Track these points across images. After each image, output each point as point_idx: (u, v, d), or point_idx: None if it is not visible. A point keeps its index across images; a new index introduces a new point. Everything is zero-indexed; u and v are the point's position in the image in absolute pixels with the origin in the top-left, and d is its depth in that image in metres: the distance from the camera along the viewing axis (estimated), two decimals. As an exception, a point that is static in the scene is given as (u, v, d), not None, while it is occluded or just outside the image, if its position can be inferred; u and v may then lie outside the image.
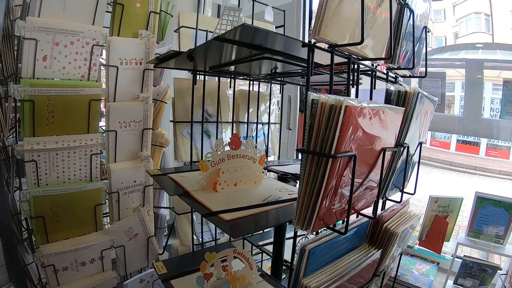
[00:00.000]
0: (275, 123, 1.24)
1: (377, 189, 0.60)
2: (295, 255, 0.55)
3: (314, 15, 0.47)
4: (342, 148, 0.43)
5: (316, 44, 0.50)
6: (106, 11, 1.00)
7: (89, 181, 1.00)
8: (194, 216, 1.04)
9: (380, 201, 0.72)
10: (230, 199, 0.67)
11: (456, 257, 1.47)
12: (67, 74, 0.94)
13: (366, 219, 0.64)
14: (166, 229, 1.38)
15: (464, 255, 1.55)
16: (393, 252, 0.69)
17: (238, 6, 0.89)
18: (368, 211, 0.63)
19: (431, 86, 1.95)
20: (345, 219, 0.53)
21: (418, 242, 1.78)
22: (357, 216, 0.66)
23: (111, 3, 1.01)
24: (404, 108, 0.61)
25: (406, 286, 1.60)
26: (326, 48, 0.52)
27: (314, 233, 0.62)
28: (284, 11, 1.13)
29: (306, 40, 0.51)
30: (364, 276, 0.65)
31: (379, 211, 0.69)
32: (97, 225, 1.06)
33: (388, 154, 0.57)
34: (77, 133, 0.96)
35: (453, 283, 1.49)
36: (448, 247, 1.72)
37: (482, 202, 1.48)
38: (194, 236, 1.06)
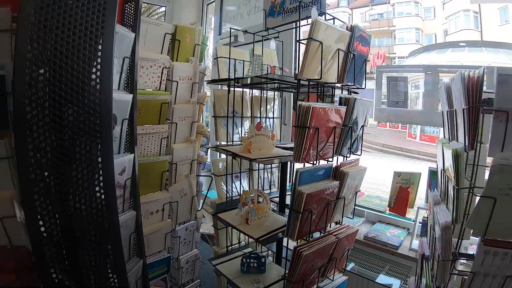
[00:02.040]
0: (278, 118, 1.95)
1: (334, 147, 1.29)
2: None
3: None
4: (312, 125, 1.13)
5: (301, 79, 1.20)
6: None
7: (159, 155, 1.68)
8: (228, 178, 1.73)
9: (340, 157, 1.42)
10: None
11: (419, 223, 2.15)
12: (147, 86, 1.61)
13: (331, 163, 1.34)
14: (203, 192, 2.07)
15: (422, 217, 2.25)
16: (347, 184, 1.37)
17: (262, 54, 1.57)
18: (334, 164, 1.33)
19: (397, 88, 2.66)
20: (317, 160, 1.23)
21: (388, 208, 2.49)
22: (327, 162, 1.36)
23: (171, 40, 1.69)
24: (346, 106, 1.31)
25: (381, 244, 2.27)
26: (305, 80, 1.21)
27: (303, 165, 1.30)
28: (282, 42, 1.82)
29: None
30: (331, 196, 1.34)
31: (339, 162, 1.39)
32: (162, 186, 1.74)
33: (337, 130, 1.26)
34: (152, 123, 1.64)
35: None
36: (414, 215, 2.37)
37: (433, 174, 2.16)
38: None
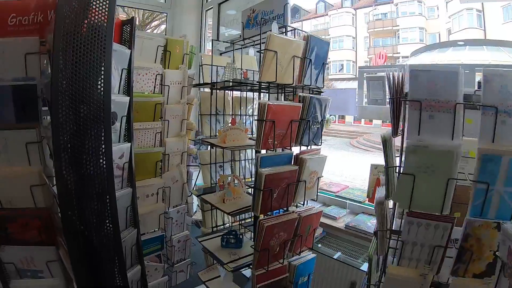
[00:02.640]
0: (255, 115, 2.30)
1: (292, 138, 1.64)
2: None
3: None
4: (269, 118, 1.47)
5: (261, 82, 1.54)
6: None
7: (154, 147, 2.04)
8: (212, 167, 2.08)
9: (299, 147, 1.76)
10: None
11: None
12: (144, 90, 1.97)
13: (291, 151, 1.68)
14: (193, 181, 2.43)
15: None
16: (306, 169, 1.71)
17: (234, 61, 1.92)
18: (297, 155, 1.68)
19: (375, 87, 2.97)
20: (275, 148, 1.57)
21: (367, 199, 2.81)
22: (282, 150, 1.69)
23: (163, 51, 2.05)
24: (303, 103, 1.65)
25: (361, 232, 2.58)
26: (266, 82, 1.56)
27: (265, 151, 1.64)
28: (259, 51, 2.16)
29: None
30: (292, 179, 1.67)
31: (298, 151, 1.73)
32: (156, 173, 2.09)
33: (293, 124, 1.60)
34: (148, 121, 1.99)
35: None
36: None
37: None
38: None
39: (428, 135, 1.16)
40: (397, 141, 1.41)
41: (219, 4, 4.49)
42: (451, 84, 1.15)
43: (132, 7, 4.96)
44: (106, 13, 1.08)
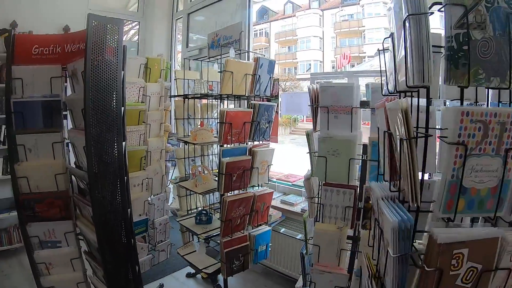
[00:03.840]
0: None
1: (246, 135, 2.31)
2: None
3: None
4: (226, 121, 2.14)
5: (221, 94, 2.21)
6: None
7: (139, 145, 2.66)
8: (186, 161, 2.73)
9: (252, 142, 2.44)
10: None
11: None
12: (130, 100, 2.60)
13: (246, 145, 2.36)
14: (169, 174, 3.07)
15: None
16: (257, 159, 2.38)
17: (202, 76, 2.58)
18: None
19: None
20: (233, 143, 2.24)
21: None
22: (239, 144, 2.37)
23: (145, 68, 2.68)
24: (253, 109, 2.32)
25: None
26: (225, 94, 2.22)
27: (227, 146, 2.30)
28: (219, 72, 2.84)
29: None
30: (247, 166, 2.34)
31: (251, 145, 2.41)
32: (141, 167, 2.71)
33: (246, 124, 2.28)
34: (134, 124, 2.61)
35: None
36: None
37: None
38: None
39: (334, 130, 1.84)
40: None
41: (188, 14, 5.11)
42: (348, 94, 1.83)
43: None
44: (117, 50, 1.71)
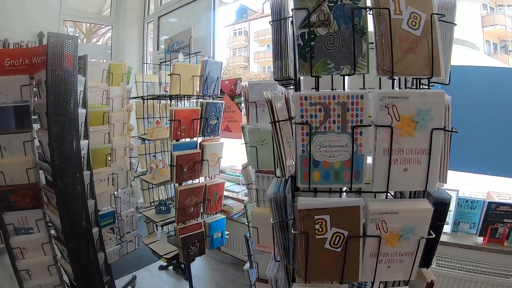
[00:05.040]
0: (182, 117, 3.40)
1: (195, 131, 2.74)
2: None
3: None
4: (176, 118, 2.57)
5: (171, 94, 2.64)
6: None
7: (104, 143, 3.08)
8: (147, 157, 3.16)
9: (202, 137, 2.87)
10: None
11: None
12: (94, 102, 3.01)
13: (196, 140, 2.79)
14: (136, 168, 3.49)
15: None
16: (207, 152, 2.81)
17: (160, 78, 3.01)
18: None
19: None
20: (183, 138, 2.67)
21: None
22: (190, 139, 2.80)
23: (108, 73, 3.10)
24: (201, 107, 2.75)
25: None
26: (175, 95, 2.65)
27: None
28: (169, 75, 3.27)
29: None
30: (197, 158, 2.77)
31: (201, 140, 2.83)
32: (106, 163, 3.12)
33: (195, 121, 2.71)
34: (99, 125, 3.02)
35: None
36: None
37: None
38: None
39: (262, 122, 2.15)
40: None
41: (159, 17, 5.53)
42: (273, 90, 2.25)
43: (80, 21, 5.94)
44: (72, 60, 2.13)
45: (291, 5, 1.14)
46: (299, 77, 1.20)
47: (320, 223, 1.12)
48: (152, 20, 5.73)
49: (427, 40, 1.03)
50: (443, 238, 2.70)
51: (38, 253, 2.44)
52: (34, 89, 2.35)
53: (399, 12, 1.03)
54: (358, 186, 1.17)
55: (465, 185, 2.82)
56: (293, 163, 1.21)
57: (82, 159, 2.46)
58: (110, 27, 6.02)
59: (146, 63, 5.68)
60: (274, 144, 1.21)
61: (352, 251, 1.14)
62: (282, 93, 1.44)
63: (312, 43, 1.08)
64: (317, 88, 1.15)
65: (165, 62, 3.13)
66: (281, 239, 1.28)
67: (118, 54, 5.79)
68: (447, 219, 2.70)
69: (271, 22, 1.25)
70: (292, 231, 1.17)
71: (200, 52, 3.03)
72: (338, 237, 1.13)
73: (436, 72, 1.04)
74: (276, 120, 1.18)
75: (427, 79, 1.11)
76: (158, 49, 5.52)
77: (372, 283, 1.25)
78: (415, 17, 1.04)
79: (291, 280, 1.33)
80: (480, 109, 2.61)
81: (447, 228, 2.77)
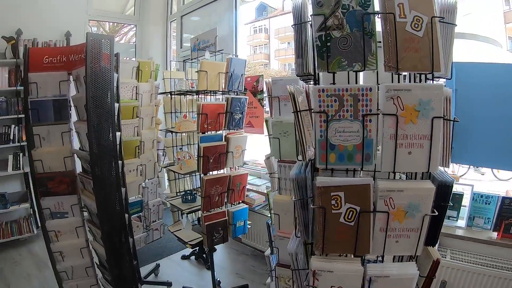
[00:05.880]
0: (207, 112, 3.63)
1: (221, 124, 2.96)
2: (199, 141, 2.91)
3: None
4: (202, 112, 2.79)
5: (199, 90, 2.87)
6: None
7: (133, 136, 3.33)
8: (175, 149, 3.40)
9: (228, 130, 3.09)
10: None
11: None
12: (125, 98, 3.26)
13: (222, 133, 3.00)
14: (163, 160, 3.74)
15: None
16: (232, 144, 3.02)
17: (186, 75, 3.25)
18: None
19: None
20: (210, 131, 2.90)
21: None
22: (216, 132, 3.02)
23: (137, 70, 3.35)
24: (226, 102, 2.97)
25: None
26: (202, 90, 2.88)
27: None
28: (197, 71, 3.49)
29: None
30: (222, 150, 2.99)
31: (227, 132, 3.05)
32: (135, 155, 3.37)
33: (221, 115, 2.93)
34: (129, 118, 3.27)
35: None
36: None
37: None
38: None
39: (284, 115, 2.32)
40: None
41: (182, 16, 5.76)
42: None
43: (105, 21, 6.25)
44: (109, 58, 2.37)
45: (310, 11, 1.33)
46: (318, 73, 1.34)
47: (335, 199, 1.27)
48: (175, 19, 5.98)
49: (428, 40, 1.21)
50: (458, 232, 2.86)
51: (72, 236, 2.67)
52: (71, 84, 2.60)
53: (404, 16, 1.21)
54: (369, 166, 1.31)
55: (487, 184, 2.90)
56: (313, 149, 1.38)
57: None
58: (132, 26, 6.29)
59: (172, 61, 5.94)
60: (296, 131, 1.43)
61: (364, 225, 1.29)
62: (303, 87, 1.61)
63: (328, 44, 1.26)
64: (334, 83, 1.31)
65: (191, 59, 3.36)
66: (302, 216, 1.44)
67: (142, 52, 6.06)
68: (461, 214, 2.87)
69: (293, 26, 1.45)
70: (311, 206, 1.35)
71: (223, 50, 3.24)
72: (351, 212, 1.28)
73: (436, 68, 1.21)
74: (298, 110, 1.39)
75: (430, 74, 1.28)
76: (181, 47, 5.76)
77: (382, 257, 1.42)
78: (418, 20, 1.21)
79: (309, 253, 1.51)
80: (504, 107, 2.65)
81: (462, 223, 2.91)
